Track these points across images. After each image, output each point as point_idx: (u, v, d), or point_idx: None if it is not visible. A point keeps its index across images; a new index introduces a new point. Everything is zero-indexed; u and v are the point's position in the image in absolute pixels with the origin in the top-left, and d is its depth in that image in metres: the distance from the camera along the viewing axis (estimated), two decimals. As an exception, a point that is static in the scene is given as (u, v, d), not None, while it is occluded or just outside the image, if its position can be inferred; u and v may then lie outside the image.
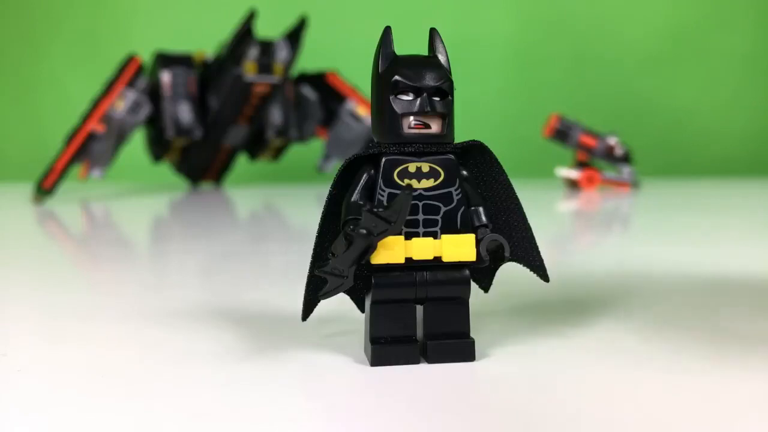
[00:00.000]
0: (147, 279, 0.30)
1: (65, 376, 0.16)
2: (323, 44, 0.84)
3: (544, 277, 0.17)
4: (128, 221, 0.57)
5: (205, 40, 0.85)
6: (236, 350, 0.17)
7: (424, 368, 0.16)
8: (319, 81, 0.81)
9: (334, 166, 0.82)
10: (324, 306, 0.17)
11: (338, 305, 0.19)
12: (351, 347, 0.17)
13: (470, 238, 0.16)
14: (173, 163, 0.82)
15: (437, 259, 0.16)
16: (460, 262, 0.16)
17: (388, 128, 0.16)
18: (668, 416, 0.13)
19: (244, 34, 0.74)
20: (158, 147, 0.78)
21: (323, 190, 0.79)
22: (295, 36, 0.77)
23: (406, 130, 0.16)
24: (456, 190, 0.16)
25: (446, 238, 0.16)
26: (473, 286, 0.18)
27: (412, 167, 0.16)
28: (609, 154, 0.74)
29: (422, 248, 0.16)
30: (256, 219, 0.58)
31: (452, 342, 0.16)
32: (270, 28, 0.82)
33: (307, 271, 0.16)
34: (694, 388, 0.15)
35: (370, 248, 0.15)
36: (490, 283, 0.18)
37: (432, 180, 0.16)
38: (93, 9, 1.08)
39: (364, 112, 0.80)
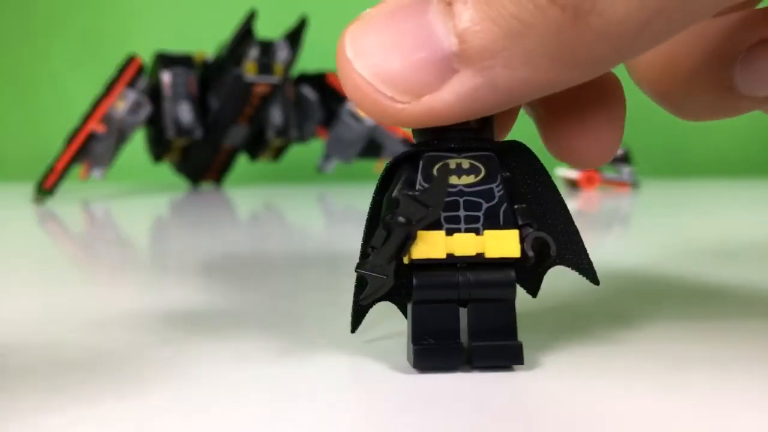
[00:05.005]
0: (147, 279, 0.30)
1: (65, 377, 0.16)
2: (323, 44, 0.84)
3: (594, 279, 0.16)
4: (128, 221, 0.57)
5: (205, 40, 0.85)
6: (236, 351, 0.17)
7: (466, 375, 0.15)
8: (319, 81, 0.81)
9: (334, 166, 0.82)
10: (328, 304, 0.17)
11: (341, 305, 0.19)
12: (351, 346, 0.17)
13: (514, 234, 0.15)
14: (173, 163, 0.82)
15: (480, 255, 0.15)
16: (503, 259, 0.15)
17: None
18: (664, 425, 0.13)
19: (244, 35, 0.74)
20: (158, 147, 0.78)
21: (323, 190, 0.79)
22: (295, 36, 0.77)
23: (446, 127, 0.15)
24: (497, 186, 0.16)
25: (489, 234, 0.15)
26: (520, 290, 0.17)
27: (452, 163, 0.15)
28: (609, 154, 0.74)
29: (464, 244, 0.15)
30: (256, 219, 0.58)
31: (497, 345, 0.15)
32: (270, 28, 0.82)
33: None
34: (692, 390, 0.15)
35: (409, 239, 0.15)
36: (538, 288, 0.17)
37: (473, 176, 0.15)
38: (93, 9, 1.08)
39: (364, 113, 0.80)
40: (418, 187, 0.15)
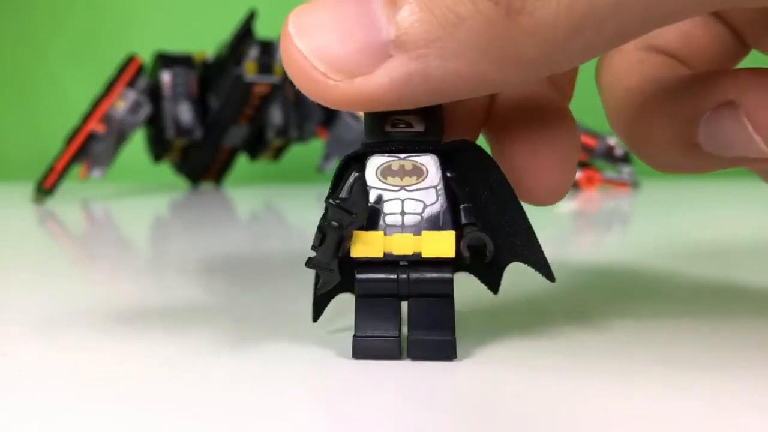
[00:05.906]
0: (147, 279, 0.30)
1: (66, 377, 0.16)
2: (323, 44, 0.84)
3: (549, 276, 0.17)
4: (128, 221, 0.57)
5: (205, 40, 0.85)
6: (236, 350, 0.17)
7: (405, 365, 0.16)
8: (319, 81, 0.81)
9: (335, 165, 0.82)
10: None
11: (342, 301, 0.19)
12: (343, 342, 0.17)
13: (450, 235, 0.16)
14: (173, 163, 0.82)
15: (417, 254, 0.16)
16: (439, 258, 0.16)
17: (373, 128, 0.16)
18: (663, 422, 0.13)
19: (244, 34, 0.74)
20: (158, 147, 0.78)
21: (323, 190, 0.79)
22: (295, 36, 0.77)
23: (389, 129, 0.16)
24: (438, 187, 0.16)
25: (426, 234, 0.16)
26: (483, 287, 0.18)
27: (395, 165, 0.16)
28: (609, 154, 0.74)
29: (401, 243, 0.16)
30: (256, 219, 0.58)
31: (433, 339, 0.16)
32: (270, 28, 0.82)
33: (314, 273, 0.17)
34: (692, 390, 0.15)
35: (343, 241, 0.16)
36: (498, 285, 0.18)
37: (415, 177, 0.16)
38: (93, 9, 1.08)
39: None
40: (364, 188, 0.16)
